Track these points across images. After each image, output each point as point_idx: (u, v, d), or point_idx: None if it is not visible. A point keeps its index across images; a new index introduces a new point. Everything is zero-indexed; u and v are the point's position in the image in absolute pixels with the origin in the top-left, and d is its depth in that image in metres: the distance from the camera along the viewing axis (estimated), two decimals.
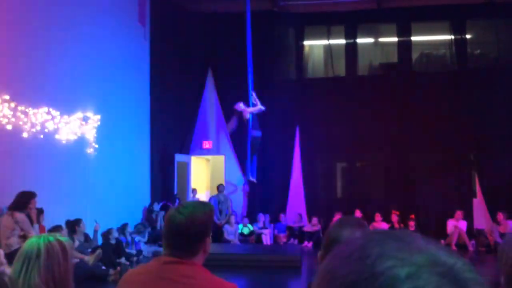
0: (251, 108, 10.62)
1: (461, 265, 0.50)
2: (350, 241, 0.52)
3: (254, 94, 10.66)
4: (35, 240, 1.97)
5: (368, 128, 12.07)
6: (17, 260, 1.93)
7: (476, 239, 10.85)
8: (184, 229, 1.66)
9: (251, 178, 10.88)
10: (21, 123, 7.26)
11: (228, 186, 12.49)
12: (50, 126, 7.87)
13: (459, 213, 10.97)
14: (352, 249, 0.50)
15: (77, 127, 8.60)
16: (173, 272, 1.64)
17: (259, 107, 10.65)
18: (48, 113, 7.83)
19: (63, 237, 2.11)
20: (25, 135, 7.33)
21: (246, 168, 10.04)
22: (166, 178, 11.83)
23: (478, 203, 11.69)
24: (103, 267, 7.40)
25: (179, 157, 12.33)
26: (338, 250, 0.52)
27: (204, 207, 1.73)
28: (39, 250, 1.91)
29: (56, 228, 6.72)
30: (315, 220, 11.56)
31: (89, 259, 7.16)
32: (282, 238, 11.69)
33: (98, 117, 9.13)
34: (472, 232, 11.11)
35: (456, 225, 10.88)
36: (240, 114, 10.49)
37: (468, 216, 11.31)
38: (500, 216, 10.50)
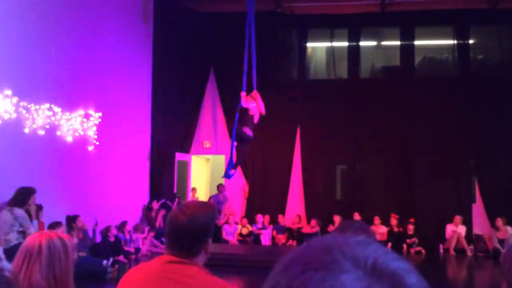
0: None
1: (385, 258, 0.51)
2: (274, 281, 0.53)
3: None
4: (36, 236, 1.97)
5: (369, 131, 12.06)
6: (18, 256, 1.93)
7: (474, 245, 10.84)
8: (186, 229, 1.66)
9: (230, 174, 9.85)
10: (22, 118, 7.26)
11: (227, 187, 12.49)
12: (51, 122, 7.87)
13: (458, 218, 10.97)
14: None
15: (78, 124, 8.60)
16: (174, 272, 1.64)
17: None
18: (50, 109, 7.84)
19: (64, 234, 2.11)
20: (26, 130, 7.33)
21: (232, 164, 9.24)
22: (166, 177, 11.83)
23: (477, 209, 11.69)
24: (104, 261, 7.40)
25: (179, 156, 12.33)
26: None
27: (207, 208, 1.73)
28: (41, 247, 1.91)
29: (55, 225, 6.72)
30: (313, 222, 11.55)
31: None
32: (281, 239, 11.68)
33: (100, 114, 9.13)
34: (470, 237, 11.10)
35: (455, 230, 10.88)
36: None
37: (467, 221, 11.30)
38: (499, 221, 10.50)
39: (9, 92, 6.98)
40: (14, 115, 7.07)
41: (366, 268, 0.49)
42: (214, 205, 2.17)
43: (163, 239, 10.02)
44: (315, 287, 0.48)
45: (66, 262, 1.95)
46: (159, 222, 10.72)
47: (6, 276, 0.59)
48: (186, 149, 12.74)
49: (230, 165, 8.65)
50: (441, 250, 10.96)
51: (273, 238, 11.77)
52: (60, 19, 8.13)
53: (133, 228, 9.74)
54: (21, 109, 7.21)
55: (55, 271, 1.91)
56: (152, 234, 9.93)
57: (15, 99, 7.07)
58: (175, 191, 11.93)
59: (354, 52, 12.67)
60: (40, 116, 7.60)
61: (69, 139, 8.35)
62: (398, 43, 12.68)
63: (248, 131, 8.29)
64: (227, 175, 8.81)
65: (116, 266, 7.54)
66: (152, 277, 1.66)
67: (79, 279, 2.02)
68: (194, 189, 12.85)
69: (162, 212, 10.80)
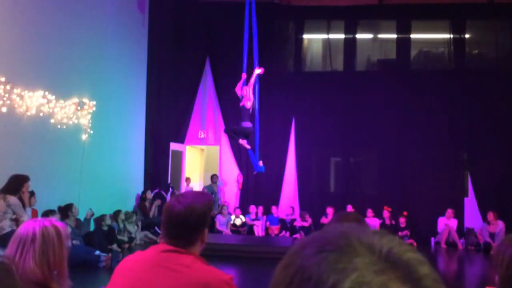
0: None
1: (399, 249, 0.52)
2: (288, 261, 0.54)
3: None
4: (30, 224, 1.97)
5: (363, 124, 12.10)
6: (12, 244, 1.93)
7: (466, 238, 10.94)
8: (182, 218, 1.66)
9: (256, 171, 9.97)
10: (16, 105, 7.21)
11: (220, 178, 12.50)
12: (45, 110, 7.82)
13: (450, 212, 11.07)
14: (292, 272, 0.52)
15: (72, 112, 8.55)
16: (170, 261, 1.64)
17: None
18: (44, 96, 7.78)
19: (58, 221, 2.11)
20: (20, 118, 7.28)
21: (253, 160, 9.38)
22: (160, 167, 11.81)
23: (470, 202, 11.79)
24: (96, 252, 7.40)
25: (174, 146, 12.31)
26: (280, 274, 0.54)
27: (204, 198, 1.73)
28: (35, 235, 1.91)
29: (49, 212, 6.71)
30: (306, 216, 11.62)
31: None
32: (274, 230, 11.73)
33: (94, 103, 9.07)
34: (462, 231, 11.21)
35: (447, 223, 10.97)
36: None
37: (459, 215, 11.41)
38: (491, 215, 10.60)
39: (2, 79, 6.91)
40: (8, 102, 7.01)
41: (381, 255, 0.50)
42: (211, 196, 2.18)
43: (156, 228, 10.03)
44: (329, 267, 0.49)
45: (60, 250, 1.94)
46: (153, 212, 10.72)
47: (4, 263, 0.59)
48: (181, 139, 12.72)
49: (255, 159, 8.85)
50: (433, 243, 11.06)
51: (266, 229, 11.82)
52: (55, 7, 8.04)
53: (124, 216, 9.71)
54: (14, 96, 7.15)
55: (49, 258, 1.90)
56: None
57: (8, 86, 7.01)
58: (169, 181, 11.93)
59: (350, 45, 12.66)
60: (34, 103, 7.54)
61: (63, 127, 8.30)
62: (394, 36, 12.68)
63: (246, 124, 8.50)
64: (259, 168, 8.92)
65: (109, 254, 7.55)
66: (147, 265, 1.66)
67: (72, 267, 2.02)
68: (188, 179, 12.85)
69: (157, 202, 10.80)
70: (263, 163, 9.15)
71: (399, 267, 0.50)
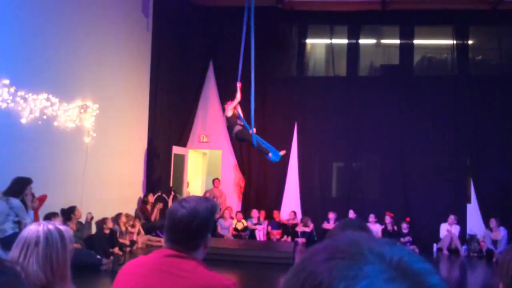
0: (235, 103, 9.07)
1: (409, 258, 0.53)
2: (299, 268, 0.55)
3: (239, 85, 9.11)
4: (34, 227, 1.97)
5: (366, 129, 12.09)
6: (16, 247, 1.93)
7: (468, 245, 10.90)
8: (185, 223, 1.66)
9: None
10: (20, 108, 7.23)
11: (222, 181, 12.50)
12: (48, 112, 7.84)
13: (452, 218, 11.03)
14: (303, 278, 0.53)
15: (76, 115, 8.57)
16: (173, 266, 1.64)
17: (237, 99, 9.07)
18: (47, 99, 7.80)
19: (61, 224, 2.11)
20: (23, 120, 7.30)
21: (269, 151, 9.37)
22: (162, 170, 11.82)
23: (472, 209, 11.75)
24: (98, 256, 7.40)
25: (176, 149, 12.32)
26: (291, 280, 0.54)
27: (207, 203, 1.73)
28: (38, 238, 1.91)
29: (51, 215, 6.71)
30: (308, 221, 11.60)
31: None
32: (276, 234, 11.71)
33: (97, 106, 9.10)
34: (464, 237, 11.16)
35: (449, 229, 10.94)
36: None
37: (462, 221, 11.37)
38: (493, 222, 10.56)
39: (6, 82, 6.94)
40: (12, 105, 7.04)
41: (391, 264, 0.51)
42: (215, 201, 2.18)
43: (158, 232, 10.03)
44: (339, 274, 0.50)
45: (63, 253, 1.95)
46: (155, 216, 10.72)
47: (13, 268, 0.59)
48: (183, 143, 12.73)
49: (273, 152, 9.17)
50: (435, 250, 11.02)
51: (268, 234, 11.80)
52: (59, 10, 8.08)
53: (126, 219, 9.71)
54: (18, 99, 7.18)
55: (52, 261, 1.91)
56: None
57: (12, 89, 7.04)
58: (171, 184, 11.93)
59: (353, 50, 12.67)
60: (38, 106, 7.56)
61: (66, 130, 8.33)
62: (397, 41, 12.69)
63: (236, 129, 8.84)
64: (275, 157, 9.21)
65: (111, 258, 7.54)
66: (150, 270, 1.66)
67: (74, 270, 2.02)
68: (187, 183, 12.84)
69: (159, 205, 10.80)
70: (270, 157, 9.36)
71: (409, 276, 0.50)
